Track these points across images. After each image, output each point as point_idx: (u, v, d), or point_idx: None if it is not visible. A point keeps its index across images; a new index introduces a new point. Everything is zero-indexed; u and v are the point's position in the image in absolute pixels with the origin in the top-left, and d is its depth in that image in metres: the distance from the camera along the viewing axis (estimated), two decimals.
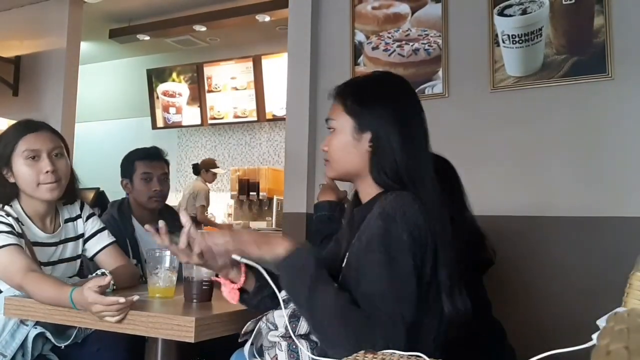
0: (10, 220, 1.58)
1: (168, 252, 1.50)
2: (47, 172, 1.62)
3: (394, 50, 2.80)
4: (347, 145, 1.20)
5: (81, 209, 1.83)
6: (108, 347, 1.63)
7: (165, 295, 1.49)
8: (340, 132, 1.21)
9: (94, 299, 1.28)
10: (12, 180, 1.65)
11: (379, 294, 1.04)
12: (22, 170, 1.63)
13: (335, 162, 1.23)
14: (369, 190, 1.21)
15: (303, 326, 1.16)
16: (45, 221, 1.71)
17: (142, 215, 2.27)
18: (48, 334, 1.60)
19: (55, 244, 1.71)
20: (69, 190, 1.74)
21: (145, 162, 2.28)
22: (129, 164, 2.31)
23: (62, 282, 1.49)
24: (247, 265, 1.20)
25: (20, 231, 1.59)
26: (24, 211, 1.67)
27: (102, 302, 1.27)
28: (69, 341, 1.63)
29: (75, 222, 1.80)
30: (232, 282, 1.24)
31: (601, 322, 0.64)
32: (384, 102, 1.21)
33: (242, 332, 1.25)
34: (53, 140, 1.68)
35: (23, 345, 1.57)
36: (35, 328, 1.58)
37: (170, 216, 2.36)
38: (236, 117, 5.07)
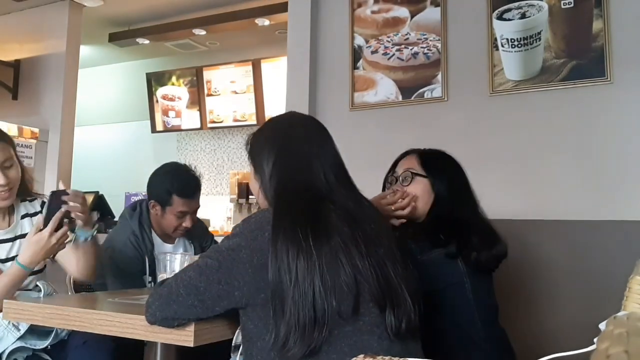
0: None
1: (178, 256, 1.51)
2: None
3: (393, 54, 2.81)
4: (253, 186, 1.34)
5: (42, 207, 1.82)
6: (94, 339, 1.62)
7: None
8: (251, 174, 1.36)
9: (49, 235, 1.52)
10: None
11: None
12: None
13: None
14: None
15: None
16: None
17: (164, 235, 2.19)
18: (28, 345, 1.61)
19: (11, 240, 1.73)
20: (23, 189, 1.77)
21: (184, 201, 2.07)
22: (165, 194, 2.07)
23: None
24: None
25: None
26: None
27: (51, 232, 1.52)
28: (50, 340, 1.64)
29: (32, 218, 1.80)
30: None
31: (603, 326, 0.64)
32: (261, 147, 1.32)
33: (233, 345, 1.25)
34: (4, 152, 1.67)
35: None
36: (20, 340, 1.59)
37: (201, 230, 2.30)
38: (235, 120, 5.07)
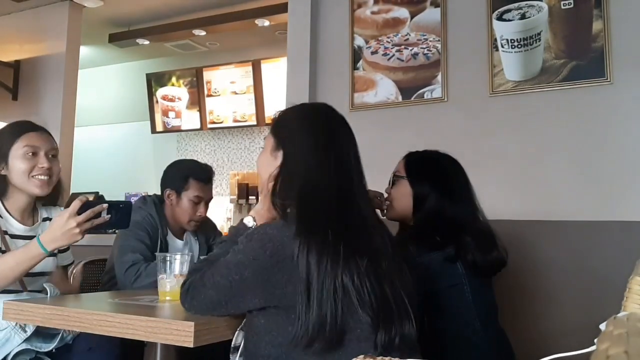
0: None
1: (178, 256, 1.51)
2: (42, 167, 1.71)
3: (393, 55, 2.81)
4: (266, 161, 1.29)
5: None
6: (100, 346, 1.63)
7: (175, 298, 1.49)
8: (265, 149, 1.31)
9: (68, 217, 1.45)
10: (3, 172, 1.72)
11: None
12: (18, 162, 1.70)
13: (259, 176, 1.33)
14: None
15: None
16: (23, 215, 1.79)
17: (175, 228, 2.19)
18: (33, 347, 1.60)
19: (33, 238, 1.73)
20: (53, 192, 1.81)
21: (200, 184, 2.13)
22: (181, 177, 2.13)
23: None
24: None
25: None
26: (4, 206, 1.75)
27: (72, 213, 1.45)
28: (55, 343, 1.63)
29: None
30: None
31: (603, 326, 0.64)
32: (298, 127, 1.28)
33: (232, 346, 1.25)
34: (51, 142, 1.79)
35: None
36: (25, 342, 1.59)
37: (209, 227, 2.32)
38: (235, 121, 5.07)
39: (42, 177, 1.72)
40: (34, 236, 1.75)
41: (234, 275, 1.17)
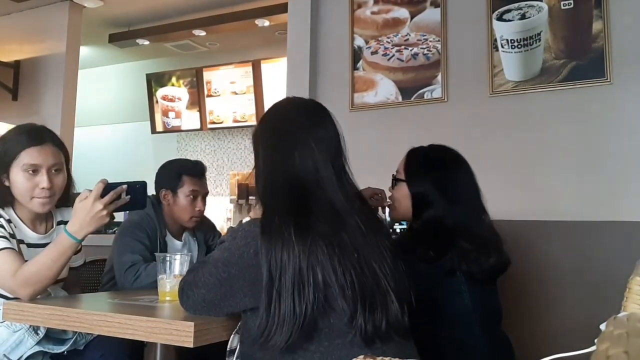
0: (1, 221, 1.61)
1: (177, 256, 1.51)
2: (42, 188, 1.64)
3: (393, 55, 2.81)
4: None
5: None
6: (110, 354, 1.62)
7: (175, 298, 1.49)
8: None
9: (94, 200, 1.46)
10: (7, 184, 1.67)
11: None
12: (19, 181, 1.64)
13: None
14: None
15: None
16: (35, 223, 1.74)
17: (174, 228, 2.19)
18: (46, 350, 1.60)
19: (47, 245, 1.72)
20: (64, 195, 1.76)
21: (194, 179, 2.15)
22: (174, 176, 2.15)
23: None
24: None
25: (11, 232, 1.62)
26: (16, 214, 1.70)
27: (96, 196, 1.46)
28: (68, 346, 1.63)
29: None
30: None
31: (604, 326, 0.64)
32: (261, 136, 1.33)
33: (228, 350, 1.25)
34: (55, 156, 1.68)
35: None
36: (37, 345, 1.58)
37: (207, 226, 2.33)
38: (235, 121, 5.07)
39: (43, 198, 1.65)
40: (47, 244, 1.69)
41: (222, 273, 1.18)
